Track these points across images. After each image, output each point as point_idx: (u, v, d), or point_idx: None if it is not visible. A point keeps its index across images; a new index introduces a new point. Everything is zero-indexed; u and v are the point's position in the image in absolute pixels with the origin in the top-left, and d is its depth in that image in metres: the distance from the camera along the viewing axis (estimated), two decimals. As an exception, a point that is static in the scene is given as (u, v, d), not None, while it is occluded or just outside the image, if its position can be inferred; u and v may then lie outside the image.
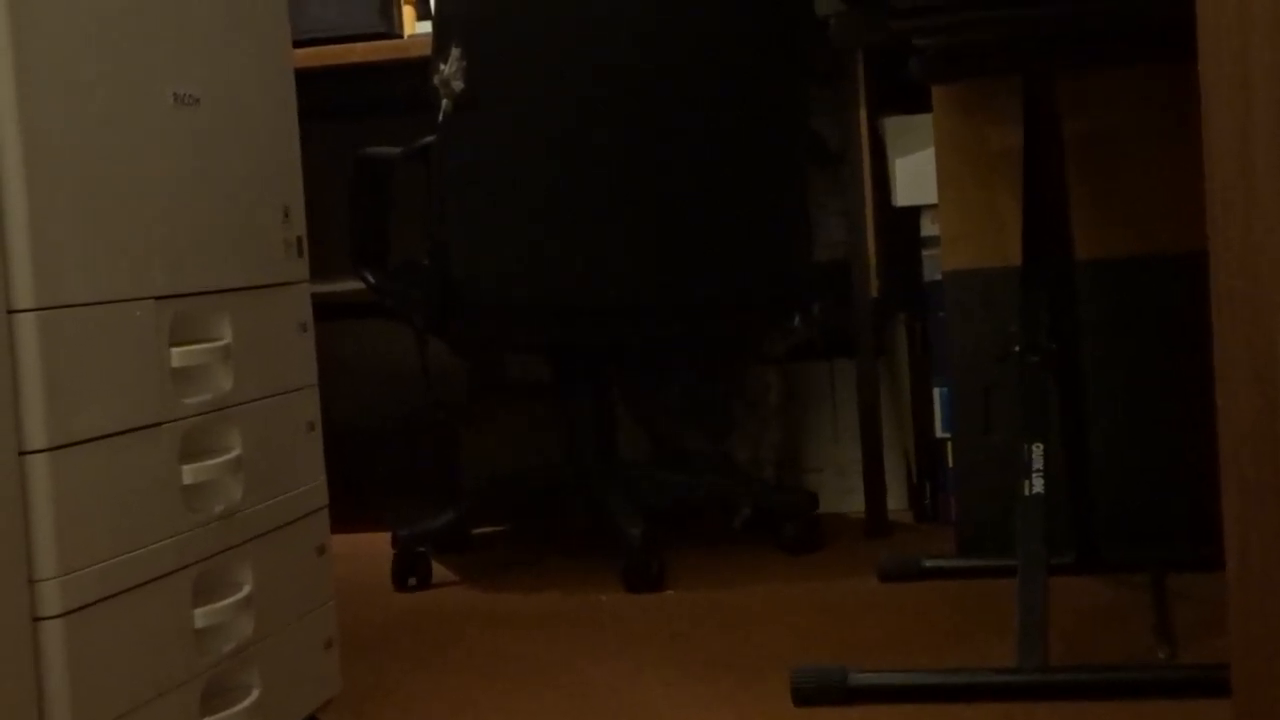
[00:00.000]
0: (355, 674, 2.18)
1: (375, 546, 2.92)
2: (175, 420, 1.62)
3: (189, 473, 1.63)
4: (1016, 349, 2.17)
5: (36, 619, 1.42)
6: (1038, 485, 2.07)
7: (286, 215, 1.85)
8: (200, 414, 1.66)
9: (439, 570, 2.87)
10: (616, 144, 2.67)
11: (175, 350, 1.62)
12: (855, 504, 3.07)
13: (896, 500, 3.07)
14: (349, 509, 3.29)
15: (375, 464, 3.67)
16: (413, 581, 2.78)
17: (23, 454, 1.42)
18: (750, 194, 2.76)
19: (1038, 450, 2.09)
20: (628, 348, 3.01)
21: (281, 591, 1.80)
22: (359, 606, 2.66)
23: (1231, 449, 1.15)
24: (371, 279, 2.86)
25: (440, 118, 2.64)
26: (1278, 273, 1.14)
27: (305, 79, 1.96)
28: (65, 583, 1.44)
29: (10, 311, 1.41)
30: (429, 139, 2.68)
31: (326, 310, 3.03)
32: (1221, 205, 1.18)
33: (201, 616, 1.64)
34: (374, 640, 2.45)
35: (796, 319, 2.81)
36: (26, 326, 1.42)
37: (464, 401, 3.50)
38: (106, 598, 1.49)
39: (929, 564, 2.59)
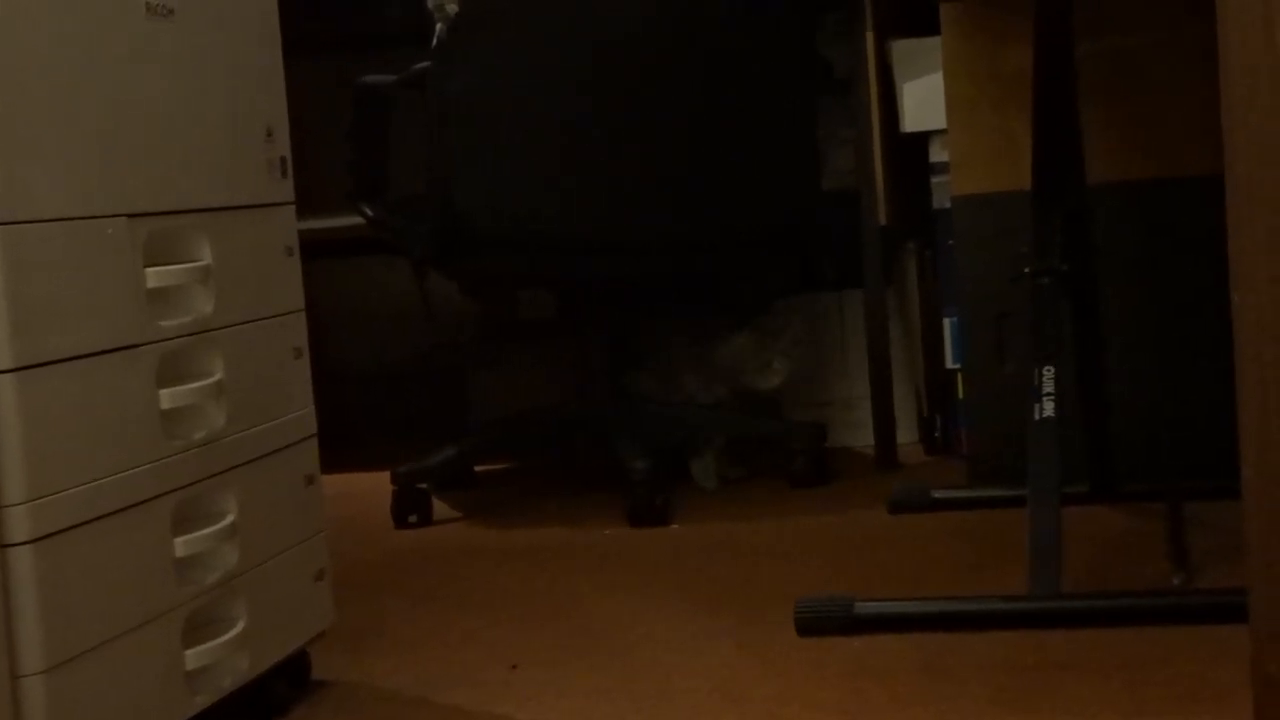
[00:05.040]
0: (353, 611, 2.13)
1: (377, 486, 2.87)
2: (152, 343, 1.56)
3: (167, 397, 1.57)
4: (1027, 270, 2.11)
5: (4, 545, 1.37)
6: (1048, 409, 2.01)
7: (269, 134, 1.79)
8: (179, 337, 1.60)
9: (441, 508, 2.82)
10: (619, 72, 2.60)
11: (151, 270, 1.56)
12: (864, 438, 3.01)
13: (906, 434, 3.01)
14: (350, 451, 3.25)
15: (379, 406, 3.62)
16: (413, 519, 2.74)
17: (-12, 374, 1.36)
18: (757, 123, 2.70)
19: (1048, 374, 2.03)
20: (635, 282, 2.95)
21: (268, 521, 1.74)
22: (359, 545, 2.61)
23: (1251, 348, 1.08)
24: (370, 212, 2.80)
25: (434, 43, 2.57)
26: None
27: (293, 5, 1.89)
28: (34, 508, 1.38)
29: (-29, 225, 1.35)
30: (424, 64, 2.61)
31: (324, 247, 2.98)
32: (1242, 89, 1.11)
33: (182, 545, 1.58)
34: (373, 578, 2.40)
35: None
36: (-11, 240, 1.36)
37: (470, 342, 3.44)
38: (80, 524, 1.43)
39: (939, 495, 2.53)
